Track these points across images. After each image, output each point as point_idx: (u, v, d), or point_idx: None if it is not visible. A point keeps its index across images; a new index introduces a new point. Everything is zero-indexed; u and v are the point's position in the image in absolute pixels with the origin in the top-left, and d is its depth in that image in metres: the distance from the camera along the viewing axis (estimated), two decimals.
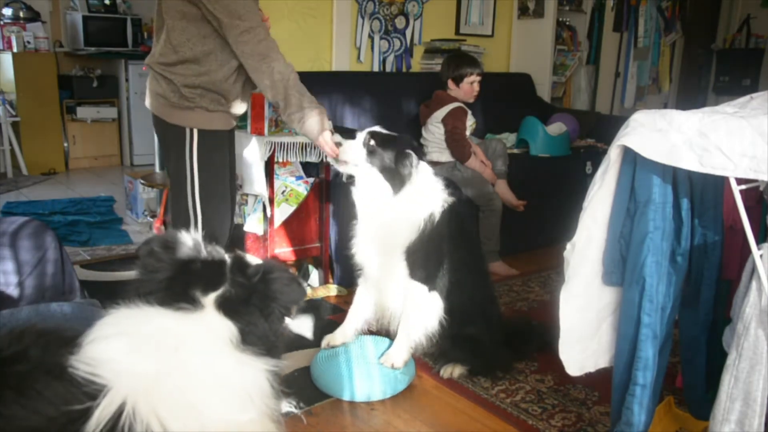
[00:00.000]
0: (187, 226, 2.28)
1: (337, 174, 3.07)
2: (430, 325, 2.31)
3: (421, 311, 2.29)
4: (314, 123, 2.19)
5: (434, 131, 3.64)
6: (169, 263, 1.32)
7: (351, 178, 2.34)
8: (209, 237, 2.25)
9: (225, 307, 1.30)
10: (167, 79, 2.20)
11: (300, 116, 2.19)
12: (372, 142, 2.24)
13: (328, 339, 2.44)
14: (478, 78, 3.66)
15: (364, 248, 2.36)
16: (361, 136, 2.27)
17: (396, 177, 2.22)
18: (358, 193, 2.32)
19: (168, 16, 2.16)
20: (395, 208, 2.25)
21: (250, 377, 1.25)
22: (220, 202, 2.34)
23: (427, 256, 2.26)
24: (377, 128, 2.33)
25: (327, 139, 2.23)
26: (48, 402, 1.06)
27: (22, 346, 1.17)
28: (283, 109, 2.21)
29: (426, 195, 2.26)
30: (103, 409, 1.06)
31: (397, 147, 2.24)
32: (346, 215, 3.17)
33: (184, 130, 2.24)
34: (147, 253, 1.35)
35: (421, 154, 2.28)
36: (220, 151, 2.33)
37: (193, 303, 1.28)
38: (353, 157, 2.25)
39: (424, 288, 2.28)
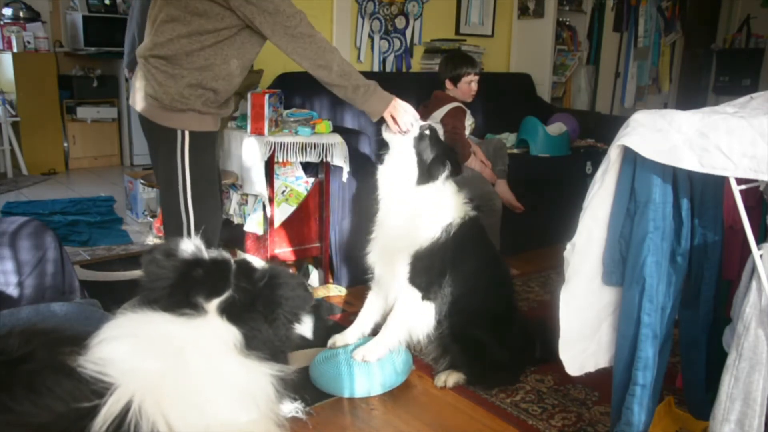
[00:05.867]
0: (179, 227, 2.27)
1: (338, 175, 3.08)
2: (415, 333, 2.29)
3: (410, 317, 2.28)
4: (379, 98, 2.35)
5: None
6: (171, 271, 1.33)
7: (382, 154, 2.44)
8: (203, 237, 2.25)
9: (228, 312, 1.31)
10: (165, 73, 2.10)
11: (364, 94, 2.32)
12: (427, 132, 2.35)
13: (335, 338, 2.44)
14: (476, 77, 3.64)
15: (377, 245, 2.38)
16: (419, 123, 2.37)
17: (424, 172, 2.30)
18: (384, 173, 2.38)
19: (175, 7, 2.08)
20: (415, 206, 2.28)
21: (254, 381, 1.26)
22: (211, 200, 2.33)
23: (431, 265, 2.25)
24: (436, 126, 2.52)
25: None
26: (57, 399, 1.08)
27: (29, 348, 1.19)
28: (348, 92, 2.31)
29: (447, 205, 2.32)
30: (110, 406, 1.08)
31: (441, 152, 2.35)
32: (350, 215, 3.18)
33: (175, 131, 2.20)
34: (149, 262, 1.35)
35: (457, 172, 2.40)
36: (209, 151, 2.32)
37: (196, 309, 1.29)
38: (400, 138, 2.34)
39: (418, 295, 2.27)
